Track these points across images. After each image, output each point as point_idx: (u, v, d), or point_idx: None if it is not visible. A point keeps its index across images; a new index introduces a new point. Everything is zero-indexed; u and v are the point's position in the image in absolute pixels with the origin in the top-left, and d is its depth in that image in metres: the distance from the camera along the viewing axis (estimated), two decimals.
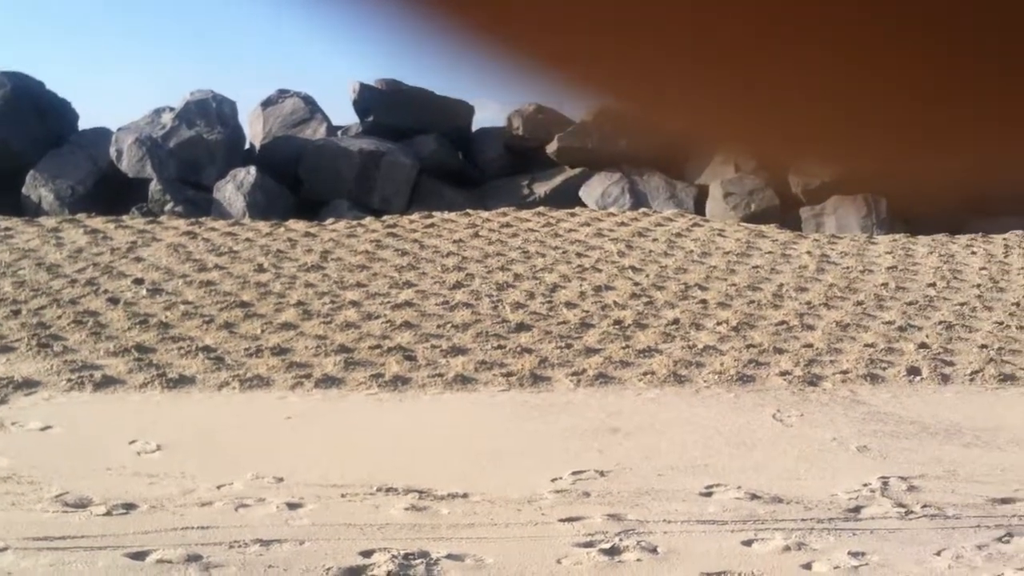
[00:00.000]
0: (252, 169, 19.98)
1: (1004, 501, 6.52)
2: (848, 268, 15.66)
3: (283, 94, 23.17)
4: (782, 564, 5.37)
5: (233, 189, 19.65)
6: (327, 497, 6.47)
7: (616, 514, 6.16)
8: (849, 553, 5.50)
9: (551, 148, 21.40)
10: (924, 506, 6.40)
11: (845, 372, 10.70)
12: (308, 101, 22.95)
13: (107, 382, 10.02)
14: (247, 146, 22.22)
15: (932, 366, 10.92)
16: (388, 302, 13.22)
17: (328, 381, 10.20)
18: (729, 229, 18.01)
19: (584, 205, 20.12)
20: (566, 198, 20.35)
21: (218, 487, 6.66)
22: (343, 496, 6.49)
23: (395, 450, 7.77)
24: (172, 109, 21.38)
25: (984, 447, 8.02)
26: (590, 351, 11.30)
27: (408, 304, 13.13)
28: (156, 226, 17.65)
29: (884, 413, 9.22)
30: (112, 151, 20.67)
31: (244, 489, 6.64)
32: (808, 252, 16.58)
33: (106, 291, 13.51)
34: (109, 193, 19.98)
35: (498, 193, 20.88)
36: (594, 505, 6.37)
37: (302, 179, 20.59)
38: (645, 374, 10.50)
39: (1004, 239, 17.72)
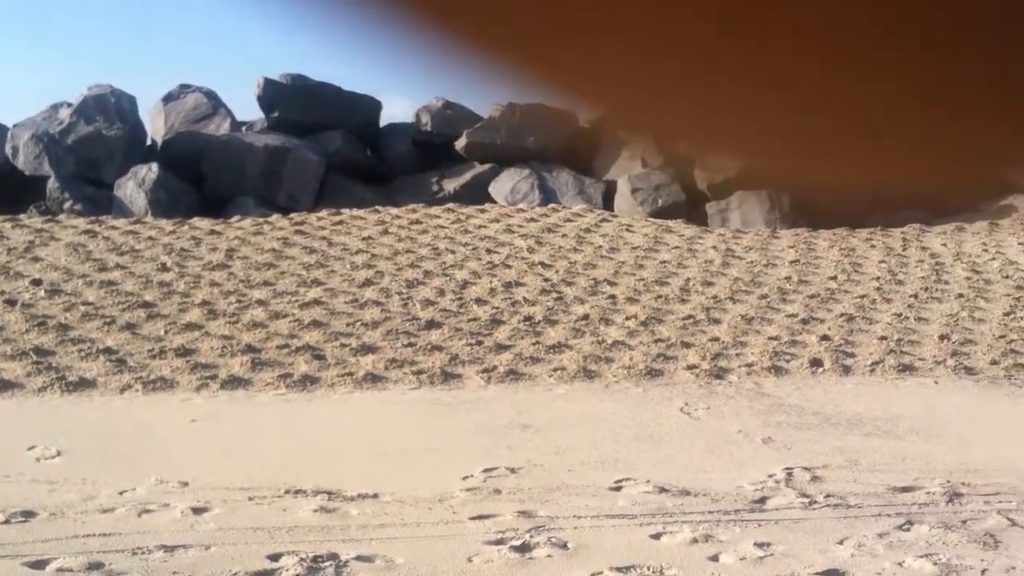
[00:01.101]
0: (154, 166, 19.59)
1: (904, 489, 6.69)
2: (752, 262, 15.93)
3: (185, 89, 22.76)
4: (690, 556, 5.43)
5: (134, 186, 19.24)
6: (233, 500, 6.36)
7: (527, 511, 6.17)
8: (755, 544, 5.59)
9: (460, 144, 21.38)
10: (827, 496, 6.54)
11: (750, 365, 10.88)
12: (211, 96, 22.59)
13: (4, 386, 9.73)
14: (148, 142, 21.78)
15: (834, 358, 11.17)
16: (296, 301, 13.07)
17: (234, 382, 10.04)
18: (637, 224, 18.20)
19: (494, 201, 20.15)
20: (475, 194, 20.36)
21: (120, 493, 6.51)
22: (250, 499, 6.39)
23: (304, 451, 7.68)
24: (70, 104, 20.85)
25: (884, 437, 8.23)
26: (500, 348, 11.32)
27: (317, 302, 12.99)
28: (54, 225, 17.18)
29: (788, 405, 9.40)
30: (8, 148, 20.10)
31: (147, 494, 6.50)
32: (714, 247, 16.82)
33: (2, 292, 13.12)
34: (5, 191, 19.45)
35: (407, 189, 20.80)
36: (505, 502, 6.37)
37: (206, 176, 20.25)
38: (555, 370, 10.55)
39: (902, 232, 18.20)
